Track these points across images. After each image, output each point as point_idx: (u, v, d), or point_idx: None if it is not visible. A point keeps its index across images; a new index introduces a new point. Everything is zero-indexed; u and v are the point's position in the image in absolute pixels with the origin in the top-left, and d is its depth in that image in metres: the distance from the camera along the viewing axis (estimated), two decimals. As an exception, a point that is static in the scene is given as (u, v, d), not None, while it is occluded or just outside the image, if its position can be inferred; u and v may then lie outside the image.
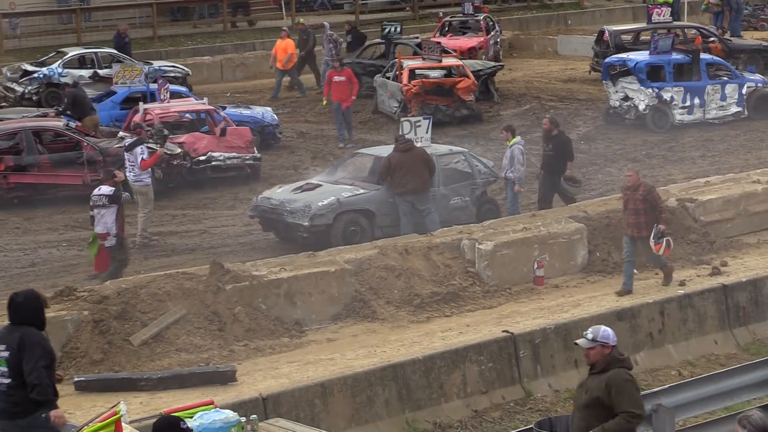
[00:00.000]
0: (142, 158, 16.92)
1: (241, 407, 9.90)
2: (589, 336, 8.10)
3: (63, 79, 25.71)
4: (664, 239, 14.01)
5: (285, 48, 27.10)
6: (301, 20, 29.65)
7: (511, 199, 16.93)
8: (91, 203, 15.19)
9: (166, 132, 18.93)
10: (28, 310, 8.27)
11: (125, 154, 17.36)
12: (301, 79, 27.74)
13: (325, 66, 27.10)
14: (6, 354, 8.08)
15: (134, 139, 17.66)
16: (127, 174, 17.16)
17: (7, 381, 8.07)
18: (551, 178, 16.96)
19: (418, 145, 16.64)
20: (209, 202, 19.41)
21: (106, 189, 15.04)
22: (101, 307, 12.87)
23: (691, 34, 27.27)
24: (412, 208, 16.15)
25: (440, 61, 24.27)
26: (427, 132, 17.23)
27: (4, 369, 8.06)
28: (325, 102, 23.10)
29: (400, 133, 16.95)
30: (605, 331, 8.13)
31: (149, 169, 17.15)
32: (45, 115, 21.44)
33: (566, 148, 17.12)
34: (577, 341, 8.21)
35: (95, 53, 26.53)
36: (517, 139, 16.58)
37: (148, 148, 17.53)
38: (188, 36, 33.23)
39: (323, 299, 13.91)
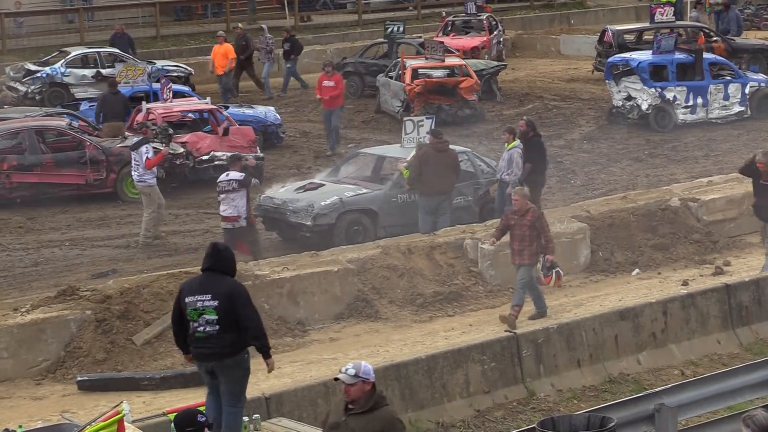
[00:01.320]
0: (147, 157, 16.89)
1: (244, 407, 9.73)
2: (351, 371, 7.41)
3: (66, 79, 25.71)
4: (554, 271, 13.25)
5: (224, 53, 26.31)
6: (240, 25, 28.83)
7: (501, 201, 16.71)
8: (218, 189, 15.46)
9: (171, 131, 18.91)
10: (229, 260, 8.74)
11: (131, 153, 17.33)
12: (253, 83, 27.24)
13: (269, 65, 26.90)
14: (215, 303, 8.53)
15: (139, 138, 17.63)
16: (132, 173, 17.16)
17: (216, 328, 8.54)
18: (529, 180, 16.76)
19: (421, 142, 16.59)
20: (212, 201, 19.02)
21: (235, 174, 15.35)
22: (104, 307, 12.87)
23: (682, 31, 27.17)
24: (433, 208, 15.97)
25: (443, 60, 24.21)
26: (429, 131, 17.07)
27: (213, 317, 8.52)
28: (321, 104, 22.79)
29: (419, 131, 16.81)
30: (366, 367, 7.46)
31: (154, 169, 17.09)
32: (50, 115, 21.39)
33: (539, 152, 16.81)
34: (338, 376, 7.46)
35: (98, 53, 26.48)
36: (517, 142, 16.49)
37: (154, 147, 17.51)
38: (191, 35, 33.20)
39: (326, 299, 13.89)
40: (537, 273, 13.52)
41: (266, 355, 8.93)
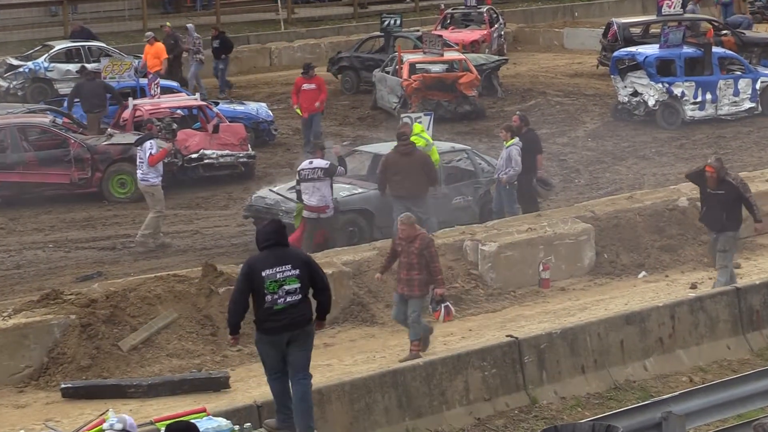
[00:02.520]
0: (151, 153, 16.61)
1: (234, 415, 9.73)
2: (118, 426, 7.77)
3: (49, 74, 25.40)
4: (443, 306, 12.26)
5: (156, 53, 25.28)
6: (168, 23, 28.02)
7: (507, 200, 16.38)
8: (298, 177, 15.46)
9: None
10: (286, 234, 9.45)
11: (137, 150, 17.00)
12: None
13: (196, 66, 26.16)
14: (296, 272, 9.07)
15: (144, 134, 17.33)
16: (137, 171, 16.82)
17: (297, 297, 9.09)
18: (523, 177, 16.50)
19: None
20: (201, 201, 19.24)
21: (320, 162, 15.39)
22: (89, 311, 12.74)
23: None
24: (406, 211, 15.79)
25: (442, 55, 24.13)
26: (428, 129, 17.01)
27: (295, 286, 9.05)
28: (299, 110, 21.49)
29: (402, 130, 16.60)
30: (131, 420, 7.85)
31: (159, 168, 16.80)
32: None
33: (535, 145, 16.72)
34: (104, 428, 7.85)
35: (83, 47, 26.17)
36: (515, 140, 16.27)
37: (159, 143, 17.17)
38: (179, 29, 32.89)
39: None
40: (397, 306, 12.54)
41: (324, 317, 9.61)
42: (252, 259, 9.27)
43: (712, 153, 15.55)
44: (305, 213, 15.51)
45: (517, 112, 18.09)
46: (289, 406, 9.43)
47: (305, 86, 21.17)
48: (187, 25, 27.63)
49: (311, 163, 15.49)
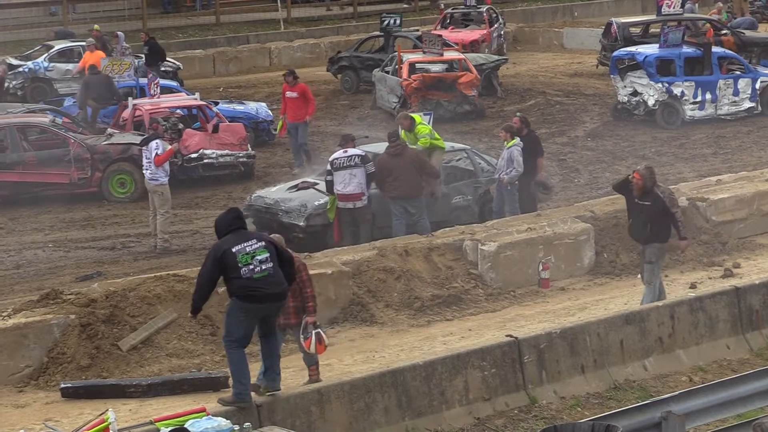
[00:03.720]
0: (157, 153, 16.58)
1: (234, 415, 9.71)
2: None
3: (49, 74, 25.36)
4: (313, 333, 11.43)
5: (96, 61, 24.06)
6: (96, 26, 27.30)
7: (509, 201, 16.38)
8: (330, 167, 15.49)
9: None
10: (245, 220, 10.29)
11: (142, 150, 16.99)
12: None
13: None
14: (262, 244, 9.86)
15: (149, 134, 17.29)
16: (144, 171, 16.80)
17: (270, 265, 9.83)
18: (523, 179, 16.48)
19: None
20: (201, 201, 19.19)
21: (355, 150, 15.56)
22: (89, 311, 12.67)
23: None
24: (404, 212, 15.87)
25: (441, 54, 24.11)
26: (427, 128, 16.99)
27: (265, 255, 9.78)
28: (280, 124, 20.31)
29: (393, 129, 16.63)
30: None
31: (166, 167, 16.77)
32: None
33: (536, 147, 16.70)
34: None
35: (82, 46, 26.08)
36: (516, 140, 16.25)
37: (164, 143, 17.14)
38: (179, 28, 32.92)
39: (320, 302, 13.43)
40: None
41: (291, 283, 10.46)
42: (218, 243, 9.94)
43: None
44: (339, 203, 15.56)
45: (518, 114, 18.05)
46: (248, 378, 10.07)
47: (288, 93, 20.28)
48: (118, 33, 27.02)
49: (346, 152, 15.57)
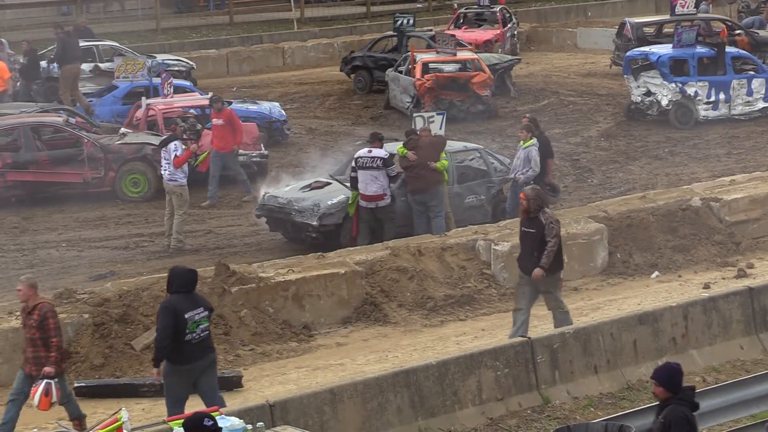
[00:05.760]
0: (176, 155, 16.58)
1: (247, 414, 9.69)
2: None
3: None
4: (43, 383, 10.46)
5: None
6: None
7: (514, 201, 16.36)
8: (354, 165, 15.57)
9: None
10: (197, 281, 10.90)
11: (161, 151, 16.97)
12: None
13: (22, 88, 24.11)
14: (206, 313, 10.62)
15: (168, 135, 17.30)
16: (162, 172, 16.80)
17: (206, 332, 10.65)
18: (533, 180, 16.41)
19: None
20: (214, 201, 19.04)
21: (379, 152, 15.53)
22: (102, 310, 12.71)
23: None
24: (425, 209, 15.81)
25: (455, 54, 24.01)
26: (440, 128, 17.02)
27: (206, 324, 10.62)
28: (203, 157, 18.33)
29: (412, 126, 16.64)
30: None
31: (185, 168, 16.75)
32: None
33: (547, 149, 16.66)
34: None
35: (96, 46, 26.12)
36: (534, 140, 16.22)
37: (183, 144, 17.14)
38: (193, 28, 32.89)
39: (333, 302, 13.73)
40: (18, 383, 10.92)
41: None
42: (172, 303, 10.52)
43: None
44: (361, 202, 15.59)
45: (527, 115, 18.01)
46: None
47: (214, 121, 18.64)
48: (1, 39, 26.05)
49: (370, 152, 15.58)
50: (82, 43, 24.71)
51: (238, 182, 18.93)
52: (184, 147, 16.88)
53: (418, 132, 16.45)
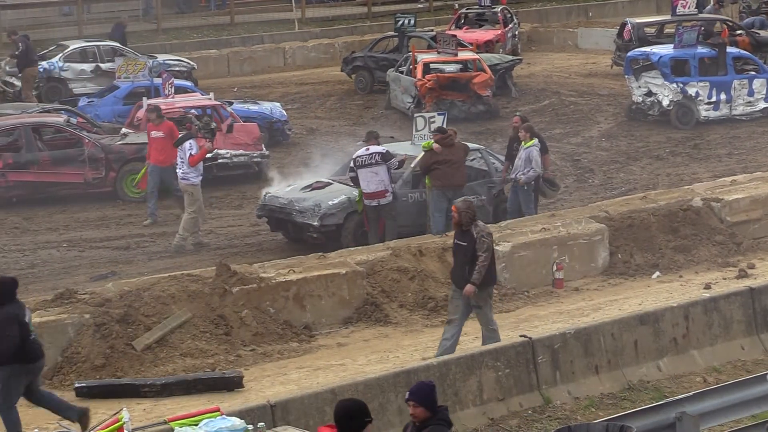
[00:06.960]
0: (191, 154, 16.57)
1: (248, 414, 9.69)
2: None
3: (64, 74, 25.37)
4: None
5: None
6: None
7: (524, 201, 16.37)
8: (353, 164, 15.66)
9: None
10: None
11: (177, 150, 16.95)
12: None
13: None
14: (30, 315, 10.73)
15: (183, 134, 17.29)
16: (177, 171, 16.78)
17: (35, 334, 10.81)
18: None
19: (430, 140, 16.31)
20: (215, 201, 19.18)
21: (376, 148, 15.65)
22: (103, 311, 12.69)
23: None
24: (449, 205, 15.78)
25: (456, 54, 24.04)
26: (441, 128, 16.97)
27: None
28: (141, 173, 18.12)
29: (431, 127, 16.63)
30: None
31: (199, 167, 16.76)
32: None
33: (542, 145, 16.63)
34: None
35: (97, 46, 26.13)
36: (535, 141, 16.24)
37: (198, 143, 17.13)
38: (194, 28, 32.87)
39: (334, 302, 13.72)
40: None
41: None
42: (13, 311, 10.56)
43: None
44: (365, 201, 15.67)
45: (517, 113, 18.03)
46: None
47: (153, 133, 17.68)
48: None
49: (368, 149, 15.65)
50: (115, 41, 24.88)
51: (154, 198, 17.71)
52: (200, 145, 16.89)
53: (448, 131, 16.40)
